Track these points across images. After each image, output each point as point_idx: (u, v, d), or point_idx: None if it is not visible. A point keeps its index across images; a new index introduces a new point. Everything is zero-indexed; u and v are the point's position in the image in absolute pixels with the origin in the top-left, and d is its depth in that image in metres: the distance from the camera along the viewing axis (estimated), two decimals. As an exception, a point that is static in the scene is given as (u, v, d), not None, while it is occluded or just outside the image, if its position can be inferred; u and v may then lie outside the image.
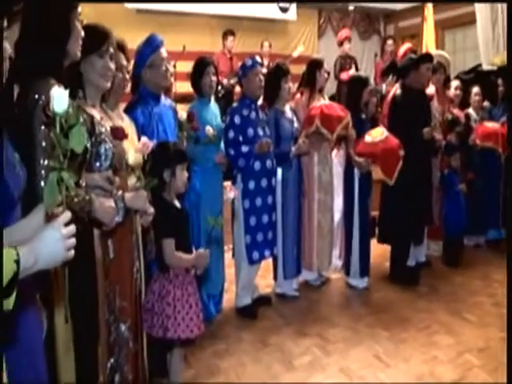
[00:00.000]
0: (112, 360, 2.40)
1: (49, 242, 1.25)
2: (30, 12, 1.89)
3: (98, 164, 2.23)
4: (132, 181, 2.46)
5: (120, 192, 2.23)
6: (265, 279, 4.65)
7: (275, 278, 4.44)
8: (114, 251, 2.37)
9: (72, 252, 1.32)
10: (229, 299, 4.25)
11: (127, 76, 2.73)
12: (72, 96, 2.17)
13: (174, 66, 6.43)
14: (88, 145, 2.08)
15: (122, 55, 2.62)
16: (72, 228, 1.31)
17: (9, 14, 1.50)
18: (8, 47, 1.48)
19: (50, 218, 1.31)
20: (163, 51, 3.14)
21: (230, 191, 3.03)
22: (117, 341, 2.41)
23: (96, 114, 2.29)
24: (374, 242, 4.85)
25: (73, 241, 1.31)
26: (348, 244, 4.62)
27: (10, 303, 1.15)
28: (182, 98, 6.28)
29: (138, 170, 2.51)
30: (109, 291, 2.37)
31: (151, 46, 3.10)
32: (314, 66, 4.51)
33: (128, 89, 2.95)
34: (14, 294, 1.15)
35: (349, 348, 3.57)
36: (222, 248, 4.08)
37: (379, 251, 5.07)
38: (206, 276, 3.68)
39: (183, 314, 2.69)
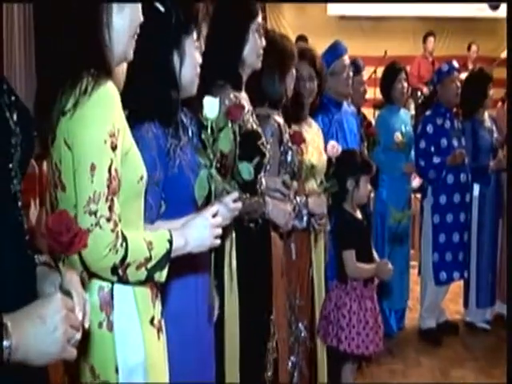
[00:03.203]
0: (292, 358, 2.50)
1: (198, 227, 1.40)
2: (213, 23, 2.04)
3: (283, 171, 2.34)
4: (310, 185, 2.52)
5: (304, 198, 2.30)
6: (454, 304, 4.31)
7: (465, 304, 4.08)
8: (296, 253, 2.49)
9: (218, 240, 1.44)
10: (412, 318, 4.06)
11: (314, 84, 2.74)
12: (275, 106, 2.32)
13: (375, 72, 6.32)
14: (267, 152, 2.14)
15: (307, 64, 2.66)
16: (219, 219, 1.43)
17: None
18: (198, 56, 1.64)
19: (200, 209, 1.47)
20: (346, 58, 3.13)
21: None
22: (297, 339, 2.52)
23: (281, 121, 2.37)
24: None
25: (219, 231, 1.44)
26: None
27: (162, 276, 1.32)
28: (381, 105, 6.15)
29: (321, 174, 2.55)
30: (290, 292, 2.47)
31: (334, 53, 3.11)
32: None
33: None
34: (166, 269, 1.32)
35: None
36: (407, 260, 3.93)
37: None
38: (388, 289, 3.62)
39: (359, 328, 2.63)
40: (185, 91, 1.62)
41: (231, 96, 2.00)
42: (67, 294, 1.00)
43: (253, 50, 2.06)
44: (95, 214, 1.18)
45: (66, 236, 0.98)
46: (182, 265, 1.38)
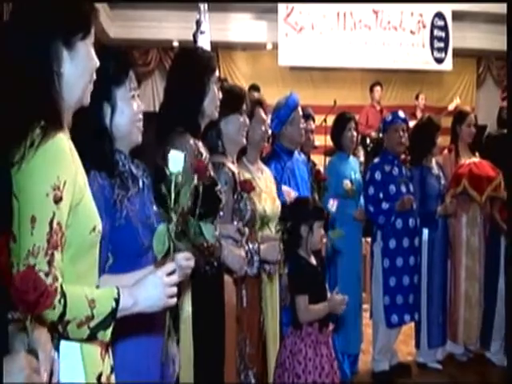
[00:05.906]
0: None
1: (148, 287, 1.34)
2: (173, 75, 2.17)
3: (237, 218, 2.38)
4: (264, 232, 2.55)
5: (256, 245, 2.32)
6: (406, 346, 4.35)
7: (417, 345, 4.13)
8: (247, 301, 2.49)
9: (174, 300, 1.39)
10: (365, 361, 4.06)
11: (268, 129, 2.84)
12: (215, 150, 2.33)
13: (325, 120, 6.48)
14: (223, 198, 2.19)
15: (261, 110, 2.74)
16: (174, 278, 1.38)
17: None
18: (139, 104, 1.65)
19: (157, 265, 1.42)
20: (300, 109, 3.28)
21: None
22: None
23: (235, 169, 2.42)
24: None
25: (174, 290, 1.38)
26: (489, 318, 4.12)
27: (106, 335, 1.26)
28: (332, 152, 6.28)
29: (274, 221, 2.61)
30: (240, 339, 2.44)
31: (292, 104, 3.23)
32: (457, 118, 4.20)
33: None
34: (111, 329, 1.25)
35: None
36: (359, 304, 3.96)
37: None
38: (342, 333, 3.61)
39: (315, 375, 2.60)
40: (122, 141, 1.61)
41: (191, 142, 2.06)
42: (33, 353, 0.98)
43: (212, 100, 2.15)
44: (33, 267, 1.14)
45: (33, 295, 0.97)
46: (134, 318, 1.33)
